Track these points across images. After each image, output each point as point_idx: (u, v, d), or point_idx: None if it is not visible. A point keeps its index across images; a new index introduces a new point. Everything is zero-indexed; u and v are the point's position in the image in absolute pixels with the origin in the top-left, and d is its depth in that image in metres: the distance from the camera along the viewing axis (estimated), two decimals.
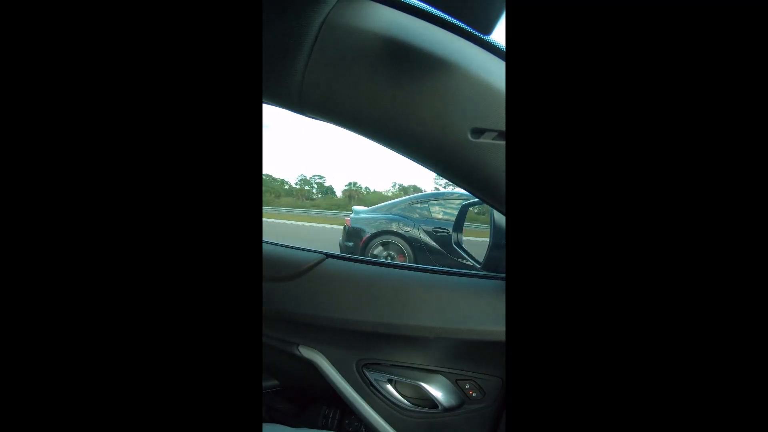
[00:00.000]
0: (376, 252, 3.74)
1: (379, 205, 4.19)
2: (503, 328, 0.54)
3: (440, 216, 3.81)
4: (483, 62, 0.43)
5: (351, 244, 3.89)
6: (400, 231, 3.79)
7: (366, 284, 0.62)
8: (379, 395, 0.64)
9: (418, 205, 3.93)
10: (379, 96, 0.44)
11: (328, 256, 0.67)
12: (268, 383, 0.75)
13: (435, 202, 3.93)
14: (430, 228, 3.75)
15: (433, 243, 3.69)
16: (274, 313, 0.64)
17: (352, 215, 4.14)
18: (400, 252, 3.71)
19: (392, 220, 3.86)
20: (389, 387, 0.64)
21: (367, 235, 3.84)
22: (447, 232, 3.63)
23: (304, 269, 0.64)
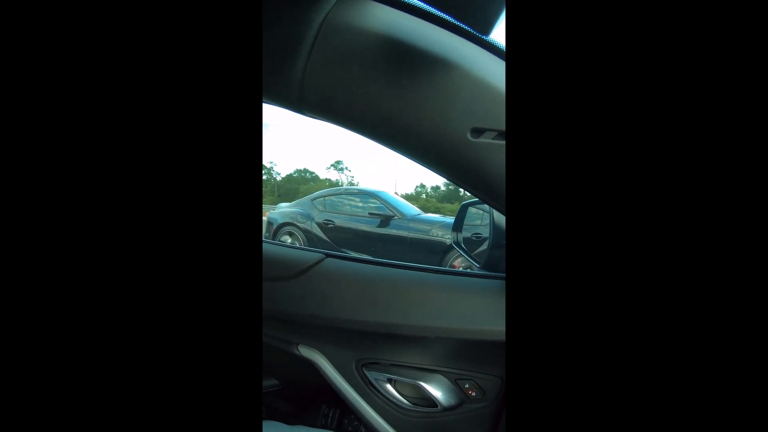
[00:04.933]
0: (282, 239, 4.40)
1: (298, 200, 4.82)
2: (503, 328, 0.54)
3: (339, 210, 4.39)
4: (483, 62, 0.43)
5: (267, 234, 4.53)
6: (297, 222, 4.41)
7: (366, 284, 0.62)
8: (379, 395, 0.64)
9: (320, 200, 4.52)
10: (379, 95, 0.44)
11: (328, 255, 0.67)
12: (268, 383, 0.75)
13: (334, 197, 4.54)
14: (321, 220, 4.30)
15: (322, 234, 4.25)
16: (274, 312, 0.64)
17: (274, 209, 4.88)
18: (299, 241, 4.35)
19: (299, 213, 4.46)
20: (389, 386, 0.64)
21: (276, 225, 4.48)
22: (333, 224, 4.25)
23: (303, 269, 0.64)
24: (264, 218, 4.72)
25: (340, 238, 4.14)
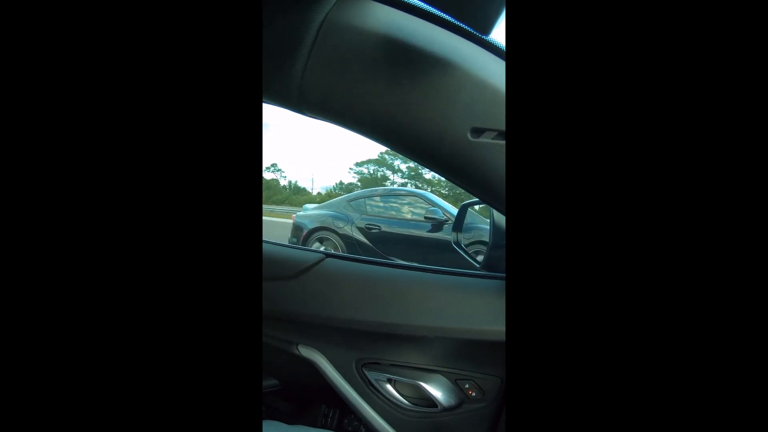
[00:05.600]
0: (314, 246, 3.83)
1: (328, 201, 4.29)
2: (503, 328, 0.54)
3: (382, 213, 3.89)
4: (483, 62, 0.43)
5: (295, 239, 3.99)
6: (334, 227, 3.84)
7: (365, 283, 0.62)
8: (379, 395, 0.64)
9: (357, 202, 3.99)
10: (379, 95, 0.44)
11: (328, 255, 0.67)
12: (268, 383, 0.75)
13: (375, 199, 4.00)
14: (363, 224, 3.80)
15: (364, 239, 3.74)
16: (274, 312, 0.64)
17: (300, 212, 4.27)
18: (335, 248, 3.81)
19: (333, 216, 3.92)
20: (389, 386, 0.64)
21: (307, 230, 3.93)
22: (379, 229, 3.74)
23: (303, 268, 0.64)
24: (289, 221, 4.34)
25: (387, 245, 3.64)
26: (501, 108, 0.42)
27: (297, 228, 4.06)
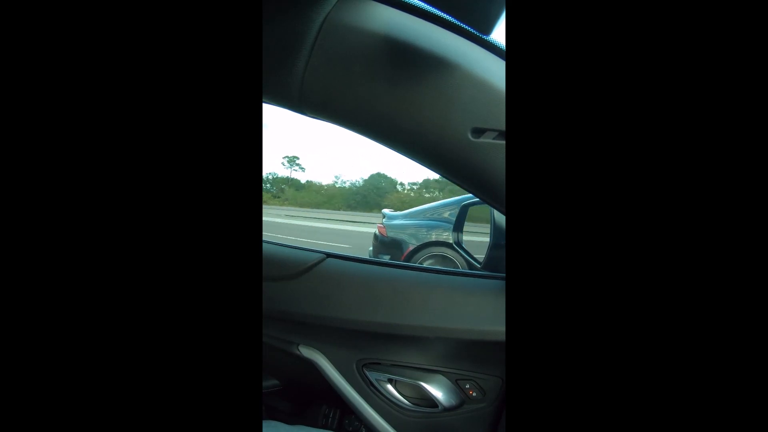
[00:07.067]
0: (427, 263, 2.78)
1: (413, 209, 3.18)
2: (503, 328, 0.54)
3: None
4: (483, 62, 0.43)
5: (388, 257, 2.92)
6: (455, 242, 2.62)
7: (366, 284, 0.62)
8: (379, 395, 0.64)
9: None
10: (379, 95, 0.44)
11: (328, 255, 0.67)
12: (268, 383, 0.75)
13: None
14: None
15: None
16: (275, 312, 0.64)
17: (384, 221, 3.13)
18: (457, 266, 2.69)
19: (432, 227, 2.86)
20: (389, 387, 0.64)
21: (411, 247, 2.82)
22: None
23: (304, 269, 0.64)
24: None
25: None
26: (501, 108, 0.42)
27: (389, 244, 2.96)
